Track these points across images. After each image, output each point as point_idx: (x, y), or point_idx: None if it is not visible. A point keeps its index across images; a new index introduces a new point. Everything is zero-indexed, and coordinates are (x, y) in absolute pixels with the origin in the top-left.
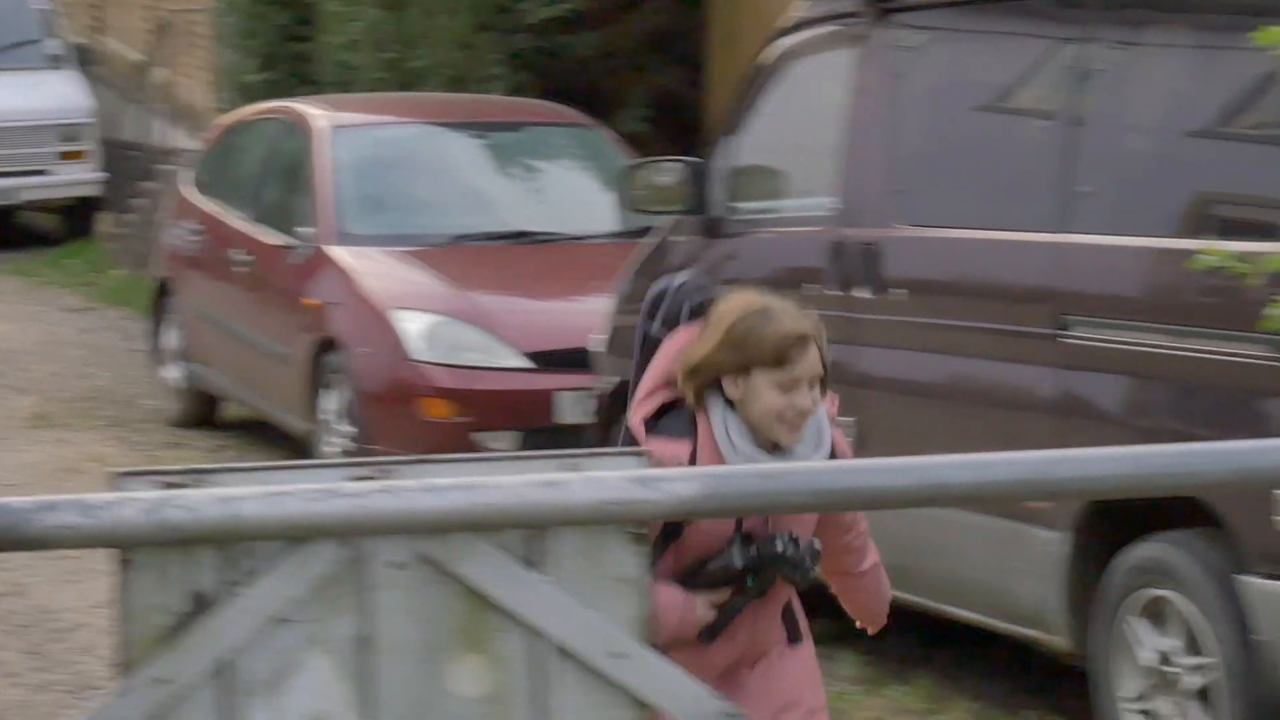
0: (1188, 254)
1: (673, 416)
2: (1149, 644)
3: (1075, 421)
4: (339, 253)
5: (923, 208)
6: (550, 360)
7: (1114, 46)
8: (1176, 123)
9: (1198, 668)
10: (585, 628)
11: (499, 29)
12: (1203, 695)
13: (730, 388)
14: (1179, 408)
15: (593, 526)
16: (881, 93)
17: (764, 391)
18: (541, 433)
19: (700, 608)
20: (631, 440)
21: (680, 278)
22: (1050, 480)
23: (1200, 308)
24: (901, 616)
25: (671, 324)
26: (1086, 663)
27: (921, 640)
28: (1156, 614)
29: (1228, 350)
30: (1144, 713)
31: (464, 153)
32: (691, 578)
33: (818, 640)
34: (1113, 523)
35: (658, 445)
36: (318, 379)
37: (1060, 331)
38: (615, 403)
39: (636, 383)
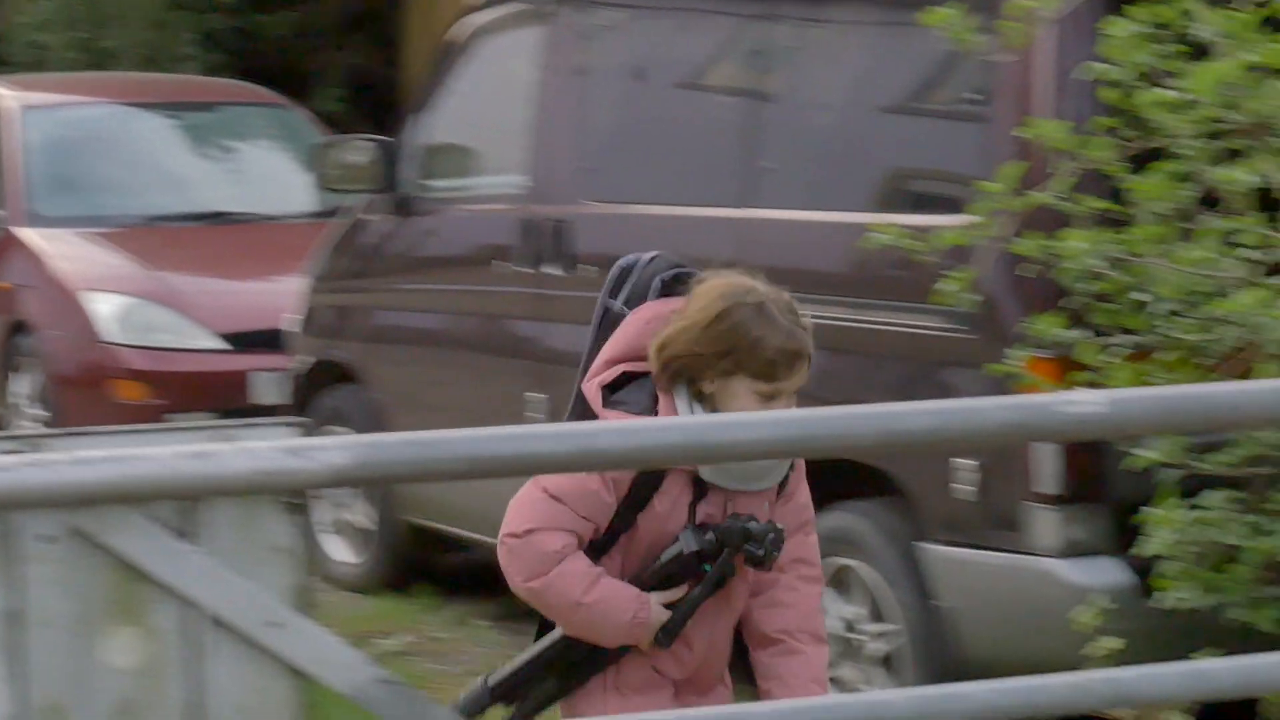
0: (867, 228)
1: (633, 389)
2: (834, 612)
3: None
4: (29, 234)
5: (611, 184)
6: (245, 341)
7: (797, 24)
8: (858, 99)
9: (881, 635)
10: (240, 598)
11: (192, 8)
12: (886, 662)
13: (706, 383)
14: (866, 379)
15: (246, 497)
16: (570, 70)
17: (742, 396)
18: (237, 414)
19: (655, 606)
20: (584, 407)
21: (649, 254)
22: (703, 444)
23: (880, 281)
24: None
25: (638, 300)
26: None
27: None
28: (841, 583)
29: (908, 322)
30: (828, 680)
31: (157, 133)
32: (644, 575)
33: (524, 616)
34: None
35: (614, 417)
36: (8, 362)
37: None
38: (310, 383)
39: (590, 359)
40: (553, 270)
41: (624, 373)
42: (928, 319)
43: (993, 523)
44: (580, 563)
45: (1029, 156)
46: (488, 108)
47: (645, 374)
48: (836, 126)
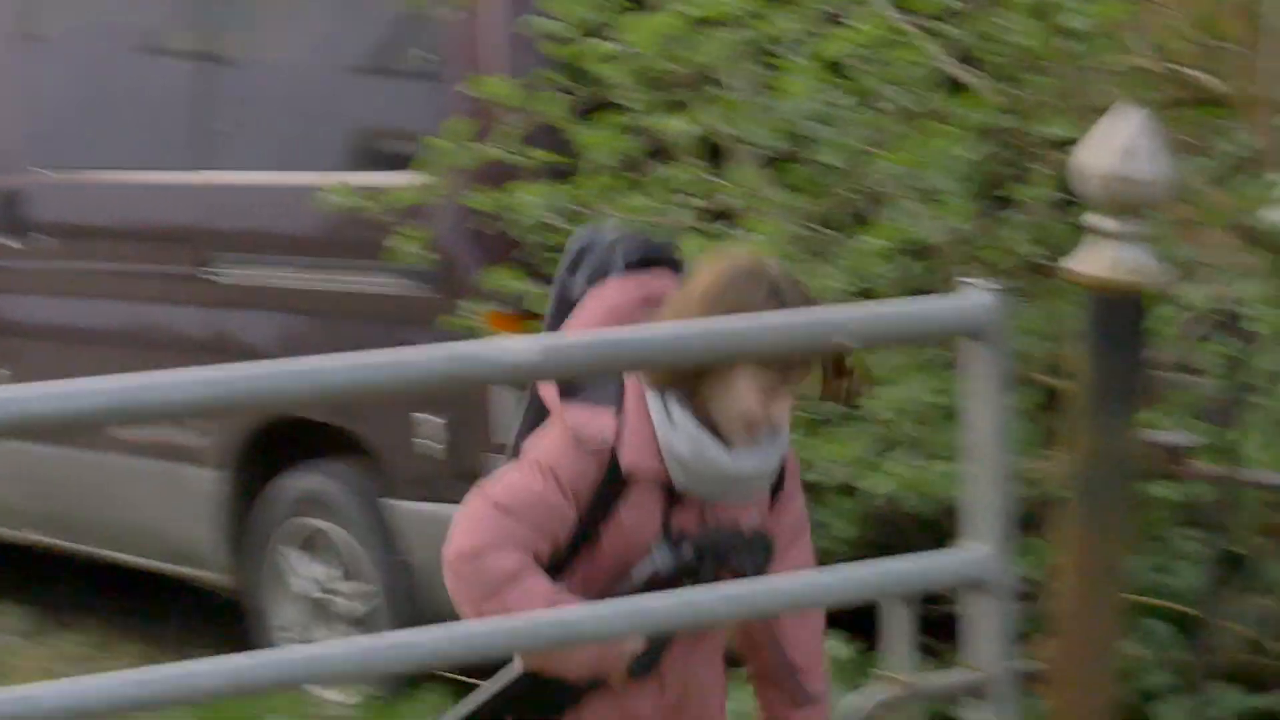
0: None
1: (599, 380)
2: (304, 573)
3: (228, 359)
4: None
5: (64, 152)
6: None
7: None
8: (314, 59)
9: (355, 594)
10: None
11: None
12: (361, 622)
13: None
14: (328, 341)
15: None
16: (16, 35)
17: (743, 391)
18: None
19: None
20: (540, 407)
21: (612, 232)
22: (133, 404)
23: (342, 242)
24: (65, 564)
25: (599, 279)
26: (246, 597)
27: (87, 587)
28: (312, 544)
29: (372, 282)
30: (305, 642)
31: None
32: (612, 595)
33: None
34: (265, 457)
35: (576, 413)
36: None
37: (205, 270)
38: None
39: None
40: (6, 241)
41: None
42: (390, 278)
43: (458, 476)
44: (540, 583)
45: (480, 112)
46: None
47: None
48: (292, 87)
